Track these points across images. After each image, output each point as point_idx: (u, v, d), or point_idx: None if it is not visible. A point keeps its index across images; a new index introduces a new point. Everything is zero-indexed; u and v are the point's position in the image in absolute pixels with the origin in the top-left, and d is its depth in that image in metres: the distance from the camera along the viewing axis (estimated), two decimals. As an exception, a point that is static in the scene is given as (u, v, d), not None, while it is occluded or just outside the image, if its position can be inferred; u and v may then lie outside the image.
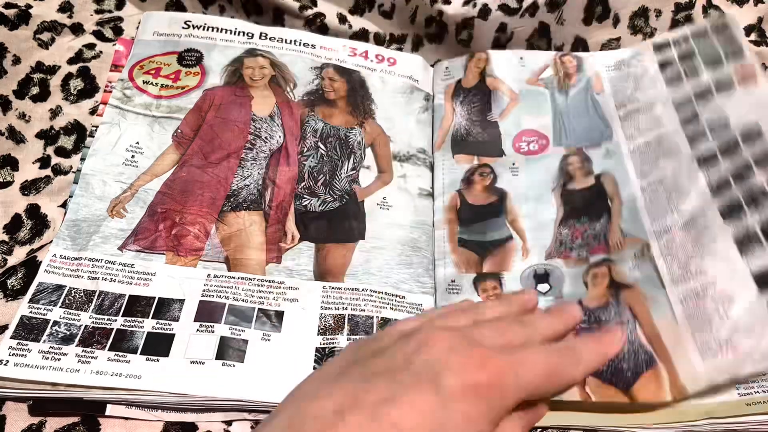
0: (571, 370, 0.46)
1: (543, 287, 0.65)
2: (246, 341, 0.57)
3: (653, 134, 0.70)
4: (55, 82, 0.72)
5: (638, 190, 0.67)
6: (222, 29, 0.79)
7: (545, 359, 0.45)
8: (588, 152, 0.73)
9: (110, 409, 0.54)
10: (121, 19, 0.80)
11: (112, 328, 0.56)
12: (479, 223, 0.70)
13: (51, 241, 0.62)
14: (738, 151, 0.63)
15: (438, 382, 0.39)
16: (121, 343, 0.55)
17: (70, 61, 0.74)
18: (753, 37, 0.82)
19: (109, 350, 0.55)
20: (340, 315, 0.61)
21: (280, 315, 0.60)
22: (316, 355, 0.58)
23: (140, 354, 0.55)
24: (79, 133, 0.70)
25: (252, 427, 0.55)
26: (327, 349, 0.58)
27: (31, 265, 0.61)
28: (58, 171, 0.67)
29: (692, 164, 0.66)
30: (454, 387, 0.39)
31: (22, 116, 0.69)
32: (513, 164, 0.74)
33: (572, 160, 0.72)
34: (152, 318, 0.58)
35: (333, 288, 0.63)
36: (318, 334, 0.59)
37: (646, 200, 0.66)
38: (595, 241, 0.66)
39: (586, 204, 0.69)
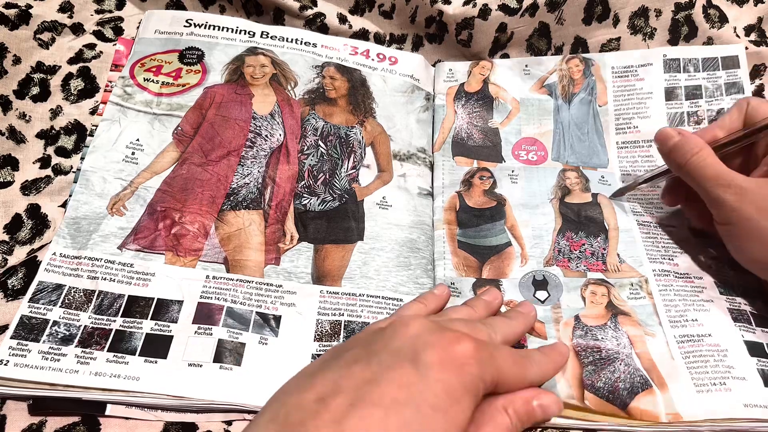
0: (531, 369, 0.48)
1: (541, 295, 0.65)
2: (243, 344, 0.57)
3: (648, 176, 0.72)
4: (55, 82, 0.72)
5: (634, 223, 0.70)
6: (223, 28, 0.80)
7: (510, 351, 0.48)
8: (585, 171, 0.74)
9: (110, 409, 0.54)
10: (121, 19, 0.80)
11: (111, 329, 0.57)
12: (478, 227, 0.70)
13: (51, 241, 0.62)
14: None
15: (416, 357, 0.41)
16: (120, 344, 0.56)
17: (71, 61, 0.74)
18: (753, 37, 0.82)
19: (108, 351, 0.55)
20: (336, 321, 0.61)
21: (277, 319, 0.60)
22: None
23: (139, 355, 0.55)
24: (80, 133, 0.70)
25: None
26: None
27: (31, 265, 0.61)
28: (58, 171, 0.68)
29: (685, 227, 0.70)
30: (432, 359, 0.41)
31: (23, 116, 0.69)
32: (512, 171, 0.74)
33: (570, 175, 0.74)
34: (151, 319, 0.58)
35: (330, 293, 0.63)
36: (315, 340, 0.60)
37: (643, 236, 0.69)
38: (593, 258, 0.67)
39: (584, 220, 0.70)
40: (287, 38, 0.80)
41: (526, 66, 0.82)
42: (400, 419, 0.38)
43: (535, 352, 0.52)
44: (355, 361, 0.42)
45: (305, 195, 0.69)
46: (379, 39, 0.85)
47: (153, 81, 0.74)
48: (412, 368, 0.40)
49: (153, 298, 0.59)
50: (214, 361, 0.56)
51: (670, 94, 0.78)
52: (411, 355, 0.41)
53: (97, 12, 0.80)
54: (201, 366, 0.55)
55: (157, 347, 0.56)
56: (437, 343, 0.42)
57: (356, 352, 0.43)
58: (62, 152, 0.69)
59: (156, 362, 0.55)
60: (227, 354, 0.56)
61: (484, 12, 0.80)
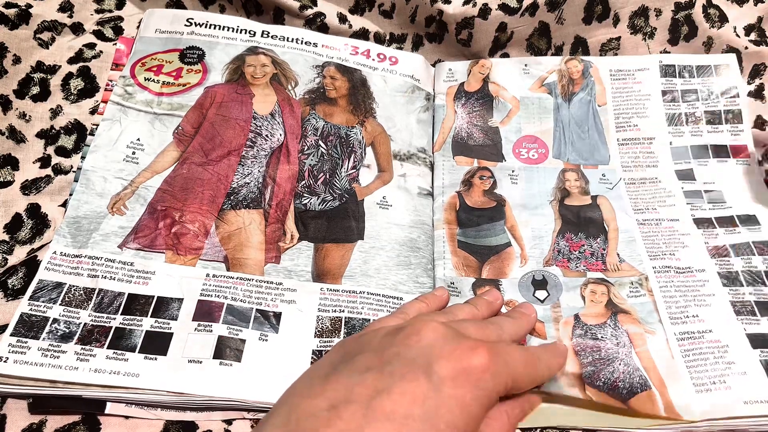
0: (540, 367, 0.49)
1: (541, 294, 0.65)
2: (243, 341, 0.57)
3: (649, 173, 0.72)
4: (55, 81, 0.72)
5: (634, 223, 0.70)
6: (224, 27, 0.80)
7: (522, 352, 0.47)
8: (585, 171, 0.74)
9: (110, 407, 0.54)
10: (121, 18, 0.80)
11: (111, 327, 0.56)
12: (478, 226, 0.70)
13: (51, 240, 0.62)
14: (736, 230, 0.69)
15: (430, 369, 0.40)
16: (120, 341, 0.56)
17: (71, 61, 0.74)
18: (753, 36, 0.82)
19: (107, 348, 0.55)
20: (337, 318, 0.61)
21: (278, 316, 0.60)
22: (312, 358, 0.58)
23: (138, 352, 0.55)
24: (80, 132, 0.70)
25: (252, 427, 0.55)
26: (323, 352, 0.58)
27: (31, 265, 0.61)
28: (58, 170, 0.68)
29: (689, 220, 0.70)
30: (446, 373, 0.40)
31: (23, 116, 0.69)
32: (512, 171, 0.75)
33: (569, 177, 0.74)
34: (151, 317, 0.58)
35: (331, 290, 0.63)
36: (315, 337, 0.59)
37: (643, 234, 0.69)
38: (592, 258, 0.67)
39: (583, 222, 0.70)
40: (288, 38, 0.80)
41: (526, 65, 0.82)
42: None
43: (540, 349, 0.53)
44: (367, 369, 0.41)
45: (305, 195, 0.69)
46: (379, 38, 0.85)
47: (154, 80, 0.74)
48: (425, 381, 0.40)
49: (153, 296, 0.59)
50: (214, 358, 0.56)
51: (667, 97, 0.78)
52: (424, 366, 0.41)
53: (97, 11, 0.80)
54: (201, 362, 0.55)
55: (157, 344, 0.56)
56: (451, 355, 0.42)
57: (368, 358, 0.43)
58: (62, 152, 0.69)
59: (156, 359, 0.55)
60: (227, 350, 0.56)
61: (484, 11, 0.81)
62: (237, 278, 0.62)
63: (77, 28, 0.77)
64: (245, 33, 0.80)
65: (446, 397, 0.39)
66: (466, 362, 0.41)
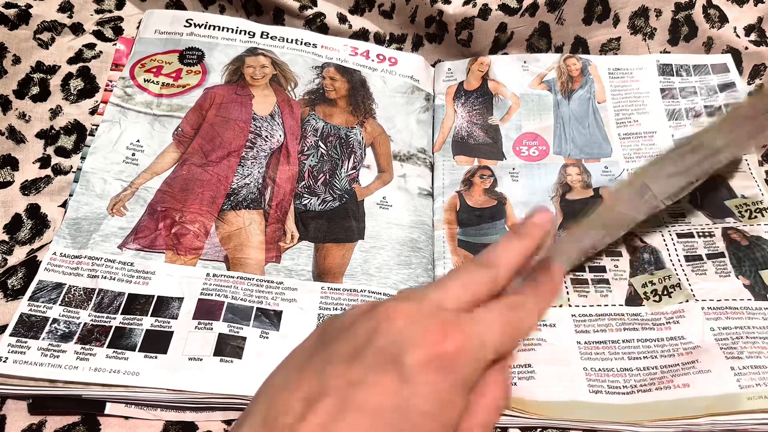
0: (526, 321, 0.44)
1: None
2: (244, 338, 0.57)
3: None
4: (55, 81, 0.72)
5: None
6: (224, 28, 0.80)
7: (500, 322, 0.42)
8: (587, 165, 0.74)
9: (109, 408, 0.54)
10: (121, 18, 0.80)
11: (111, 326, 0.56)
12: (479, 226, 0.70)
13: (51, 241, 0.62)
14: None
15: (400, 357, 0.39)
16: (120, 340, 0.56)
17: (70, 61, 0.74)
18: (753, 37, 0.82)
19: (107, 347, 0.55)
20: None
21: (278, 314, 0.60)
22: (314, 356, 0.58)
23: (138, 351, 0.55)
24: (79, 132, 0.70)
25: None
26: None
27: (31, 265, 0.61)
28: (58, 171, 0.68)
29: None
30: (416, 362, 0.38)
31: (22, 116, 0.69)
32: (513, 169, 0.74)
33: (571, 171, 0.74)
34: (151, 316, 0.58)
35: (331, 289, 0.63)
36: None
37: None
38: None
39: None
40: (287, 38, 0.80)
41: (525, 62, 0.82)
42: (387, 426, 0.37)
43: (526, 299, 0.45)
44: (338, 357, 0.40)
45: (305, 195, 0.69)
46: (379, 39, 0.85)
47: (153, 82, 0.74)
48: (395, 371, 0.38)
49: (153, 296, 0.59)
50: (215, 355, 0.56)
51: (666, 94, 0.79)
52: (394, 355, 0.39)
53: (97, 12, 0.80)
54: (201, 360, 0.55)
55: (157, 343, 0.56)
56: (421, 341, 0.39)
57: (341, 346, 0.41)
58: (62, 152, 0.69)
59: (156, 357, 0.55)
60: (228, 347, 0.56)
61: (484, 12, 0.80)
62: (237, 277, 0.62)
63: (77, 29, 0.77)
64: (245, 34, 0.80)
65: (418, 385, 0.37)
66: (435, 348, 0.39)
